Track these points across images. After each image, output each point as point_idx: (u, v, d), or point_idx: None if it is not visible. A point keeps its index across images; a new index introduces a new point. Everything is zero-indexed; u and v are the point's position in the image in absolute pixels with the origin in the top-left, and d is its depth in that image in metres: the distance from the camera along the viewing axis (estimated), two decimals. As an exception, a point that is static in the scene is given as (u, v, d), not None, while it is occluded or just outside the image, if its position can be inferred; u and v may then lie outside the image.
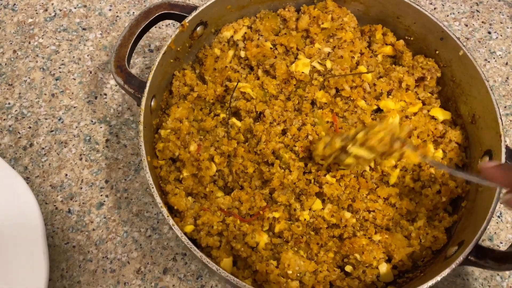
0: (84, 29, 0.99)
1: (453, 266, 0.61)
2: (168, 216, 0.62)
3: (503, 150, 0.68)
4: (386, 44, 0.85)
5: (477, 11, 1.05)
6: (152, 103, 0.73)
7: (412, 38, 0.84)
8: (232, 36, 0.84)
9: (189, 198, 0.74)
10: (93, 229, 0.82)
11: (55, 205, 0.83)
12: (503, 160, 0.68)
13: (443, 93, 0.83)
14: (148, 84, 0.69)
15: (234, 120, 0.78)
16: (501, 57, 1.00)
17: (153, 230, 0.82)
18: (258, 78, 0.82)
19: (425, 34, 0.82)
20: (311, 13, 0.84)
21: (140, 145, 0.65)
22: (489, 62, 0.99)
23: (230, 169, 0.74)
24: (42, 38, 0.97)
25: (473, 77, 0.76)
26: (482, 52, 1.00)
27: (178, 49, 0.78)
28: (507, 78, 0.98)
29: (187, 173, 0.74)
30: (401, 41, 0.84)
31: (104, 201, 0.84)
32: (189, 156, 0.73)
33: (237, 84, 0.78)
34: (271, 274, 0.67)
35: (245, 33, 0.84)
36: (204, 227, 0.70)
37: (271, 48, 0.83)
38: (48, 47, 0.97)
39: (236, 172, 0.74)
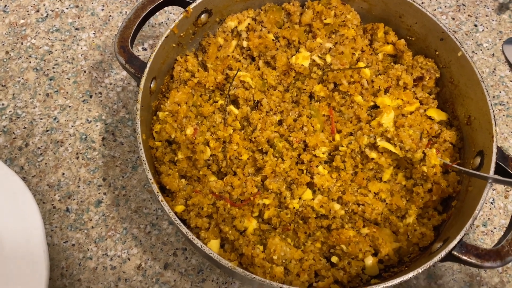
0: (77, 29, 1.00)
1: (435, 259, 0.61)
2: (158, 192, 0.64)
3: (494, 150, 0.69)
4: (388, 43, 0.86)
5: (463, 4, 1.07)
6: (152, 85, 0.75)
7: (413, 38, 0.85)
8: (236, 27, 0.86)
9: (182, 180, 0.75)
10: (92, 227, 0.83)
11: (52, 204, 0.84)
12: (493, 160, 0.68)
13: (442, 94, 0.84)
14: (148, 65, 0.71)
15: (232, 107, 0.79)
16: (487, 49, 1.02)
17: (152, 226, 0.83)
18: (259, 69, 0.83)
19: (425, 34, 0.82)
20: (315, 8, 0.85)
21: (136, 123, 0.67)
22: (476, 54, 1.02)
23: (224, 154, 0.76)
24: (35, 39, 0.98)
25: (470, 78, 0.76)
26: (469, 45, 1.03)
27: (182, 34, 0.80)
28: (494, 68, 1.00)
29: (182, 155, 0.75)
30: (402, 41, 0.85)
31: (102, 199, 0.85)
32: (184, 139, 0.75)
33: (237, 72, 0.80)
34: (256, 258, 0.68)
35: (249, 24, 0.86)
36: (195, 208, 0.72)
37: (273, 40, 0.84)
38: (41, 47, 0.97)
39: (230, 158, 0.76)
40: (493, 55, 1.02)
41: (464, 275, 0.83)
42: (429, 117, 0.82)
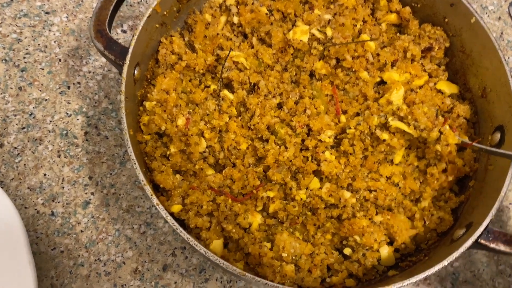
0: (47, 13, 0.89)
1: (461, 250, 0.56)
2: (152, 195, 0.57)
3: (517, 125, 0.63)
4: (391, 12, 0.79)
5: None
6: (136, 72, 0.67)
7: (419, 5, 0.78)
8: (224, 1, 0.77)
9: (177, 176, 0.68)
10: (81, 231, 0.76)
11: (36, 209, 0.77)
12: (516, 136, 0.63)
13: (451, 65, 0.78)
14: (130, 50, 0.63)
15: (226, 92, 0.72)
16: (493, 12, 0.96)
17: (147, 226, 0.77)
18: (253, 47, 0.76)
19: (433, 0, 0.75)
20: (311, -24, 0.77)
21: (122, 117, 0.59)
22: (481, 18, 0.95)
23: (221, 145, 0.69)
24: (1, 26, 0.87)
25: (485, 47, 0.70)
26: (474, 8, 0.95)
27: (165, 13, 0.71)
28: (502, 33, 0.94)
29: (174, 149, 0.68)
30: (407, 8, 0.78)
31: (90, 199, 0.78)
32: (176, 131, 0.68)
33: (229, 52, 0.72)
34: (265, 257, 0.62)
35: (239, -3, 0.77)
36: (193, 206, 0.65)
37: (266, 14, 0.76)
38: (8, 35, 0.87)
39: (228, 148, 0.69)
40: (499, 18, 0.96)
41: (481, 255, 0.79)
42: (439, 91, 0.76)
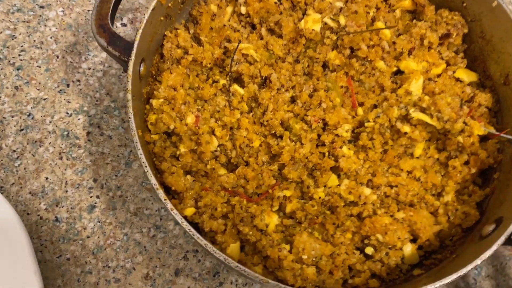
0: (41, 7, 0.85)
1: (494, 247, 0.53)
2: (165, 200, 0.53)
3: (546, 114, 0.60)
4: (405, -3, 0.75)
5: None
6: (141, 68, 0.63)
7: (435, -11, 0.74)
8: (230, -10, 0.73)
9: (188, 177, 0.65)
10: (88, 236, 0.72)
11: (39, 215, 0.73)
12: (545, 125, 0.60)
13: (470, 51, 0.74)
14: (135, 45, 0.59)
15: (236, 87, 0.68)
16: None
17: (156, 229, 0.73)
18: (262, 38, 0.72)
19: (451, -17, 0.72)
20: (320, -38, 0.73)
21: (129, 118, 0.56)
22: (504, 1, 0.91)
23: (233, 143, 0.65)
24: None
25: (507, 32, 0.67)
26: None
27: (170, 4, 0.67)
28: None
29: (184, 148, 0.65)
30: (423, -7, 0.74)
31: (95, 203, 0.74)
32: (186, 129, 0.64)
33: (238, 45, 0.68)
34: (285, 261, 0.59)
35: (246, -14, 0.73)
36: (207, 209, 0.62)
37: (275, 2, 0.72)
38: (1, 32, 0.83)
39: (240, 146, 0.66)
40: (513, 2, 0.92)
41: (502, 248, 0.76)
42: (458, 79, 0.72)
